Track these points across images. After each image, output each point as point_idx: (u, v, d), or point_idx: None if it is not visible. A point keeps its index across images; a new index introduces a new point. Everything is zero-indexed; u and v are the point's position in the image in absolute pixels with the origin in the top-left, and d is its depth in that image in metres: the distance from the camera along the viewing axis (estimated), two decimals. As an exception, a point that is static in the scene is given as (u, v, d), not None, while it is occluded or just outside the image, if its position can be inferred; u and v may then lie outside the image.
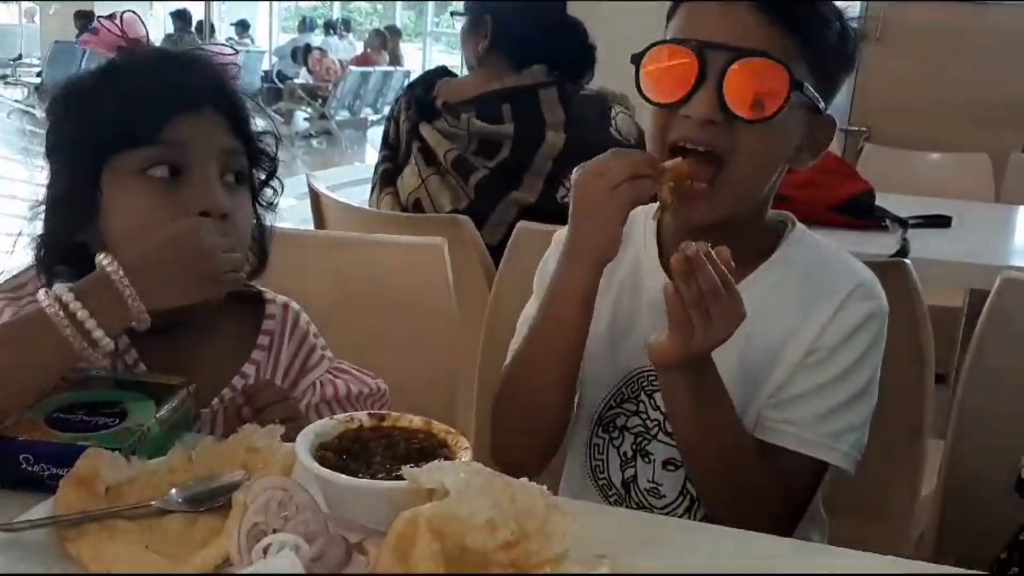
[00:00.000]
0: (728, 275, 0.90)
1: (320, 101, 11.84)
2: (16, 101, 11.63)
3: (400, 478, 0.74)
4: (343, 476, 0.76)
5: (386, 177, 2.09)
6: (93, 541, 0.73)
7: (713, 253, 0.89)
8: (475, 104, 1.98)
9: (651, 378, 1.09)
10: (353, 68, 12.22)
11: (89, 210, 0.99)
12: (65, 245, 1.01)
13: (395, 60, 13.45)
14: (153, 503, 0.77)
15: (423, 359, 1.41)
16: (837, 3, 1.04)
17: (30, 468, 0.82)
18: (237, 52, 1.13)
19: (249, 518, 0.71)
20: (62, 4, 13.64)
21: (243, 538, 0.70)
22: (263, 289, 1.15)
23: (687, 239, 1.07)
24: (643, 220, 1.13)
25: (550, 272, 1.07)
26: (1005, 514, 1.07)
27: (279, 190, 1.12)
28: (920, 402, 1.33)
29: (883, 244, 2.00)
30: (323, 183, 2.12)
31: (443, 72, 2.17)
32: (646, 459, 1.11)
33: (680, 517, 1.09)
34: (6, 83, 13.40)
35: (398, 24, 16.10)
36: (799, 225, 1.12)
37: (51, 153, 1.04)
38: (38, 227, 1.04)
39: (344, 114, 11.94)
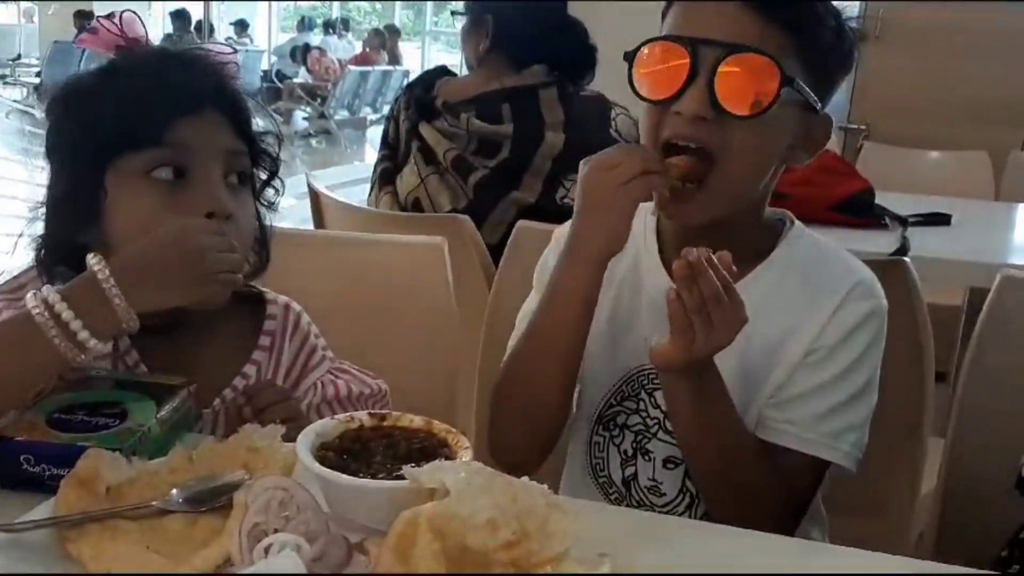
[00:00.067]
0: (730, 280, 0.90)
1: (319, 100, 11.84)
2: (15, 101, 11.63)
3: (401, 478, 0.74)
4: (344, 476, 0.76)
5: (385, 176, 2.09)
6: (94, 541, 0.73)
7: (715, 258, 0.90)
8: (475, 104, 1.98)
9: (651, 376, 1.10)
10: (352, 67, 12.22)
11: (92, 211, 0.99)
12: (67, 246, 1.00)
13: (394, 59, 13.45)
14: (154, 503, 0.77)
15: (423, 359, 1.41)
16: (835, 2, 1.04)
17: (31, 469, 0.82)
18: (236, 51, 1.13)
19: (250, 518, 0.71)
20: (61, 4, 13.64)
21: (244, 538, 0.70)
22: (264, 289, 1.15)
23: (687, 237, 1.08)
24: (643, 217, 1.13)
25: (550, 269, 1.07)
26: (1005, 512, 1.07)
27: (280, 190, 1.12)
28: (920, 400, 1.34)
29: (883, 242, 2.00)
30: (322, 183, 2.12)
31: (443, 72, 2.16)
32: (646, 457, 1.11)
33: (680, 515, 1.09)
34: (5, 83, 13.39)
35: (397, 23, 16.09)
36: (797, 223, 1.12)
37: (52, 153, 1.04)
38: (39, 228, 1.04)
39: (343, 113, 11.94)
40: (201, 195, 0.98)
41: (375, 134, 11.59)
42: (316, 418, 0.98)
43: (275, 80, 12.52)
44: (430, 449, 0.82)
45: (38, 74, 12.08)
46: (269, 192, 1.12)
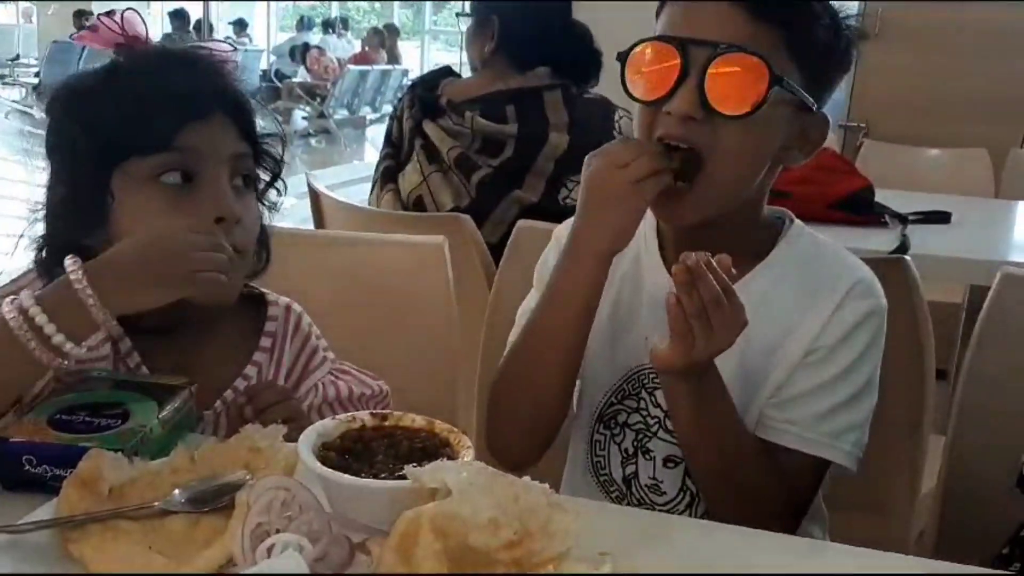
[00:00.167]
0: (729, 284, 0.90)
1: (319, 100, 11.83)
2: (14, 101, 11.62)
3: (403, 478, 0.74)
4: (346, 476, 0.76)
5: (387, 174, 2.10)
6: (96, 542, 0.73)
7: (714, 262, 0.89)
8: (479, 104, 1.99)
9: (652, 375, 1.10)
10: (351, 67, 12.21)
11: (97, 214, 0.99)
12: (69, 248, 1.00)
13: (393, 58, 13.44)
14: (156, 504, 0.77)
15: (423, 358, 1.41)
16: (834, 1, 1.04)
17: (33, 470, 0.82)
18: (236, 49, 1.13)
19: (252, 518, 0.71)
20: (60, 4, 13.63)
21: (247, 538, 0.70)
22: (265, 291, 1.15)
23: (686, 236, 1.08)
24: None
25: (551, 267, 1.07)
26: (1006, 510, 1.07)
27: (283, 191, 1.12)
28: (920, 398, 1.33)
29: (883, 240, 2.00)
30: (322, 182, 2.12)
31: (448, 72, 2.18)
32: (647, 456, 1.11)
33: (681, 514, 1.10)
34: (4, 83, 13.38)
35: (396, 22, 16.10)
36: (797, 222, 1.12)
37: (53, 154, 1.04)
38: (39, 229, 1.04)
39: (343, 113, 11.93)
40: (210, 200, 0.98)
41: (374, 133, 11.61)
42: (317, 419, 0.98)
43: (274, 79, 12.52)
44: (432, 449, 0.82)
45: (37, 74, 12.07)
46: (271, 193, 1.12)
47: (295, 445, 0.80)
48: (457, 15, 2.28)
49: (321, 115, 11.72)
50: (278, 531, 0.70)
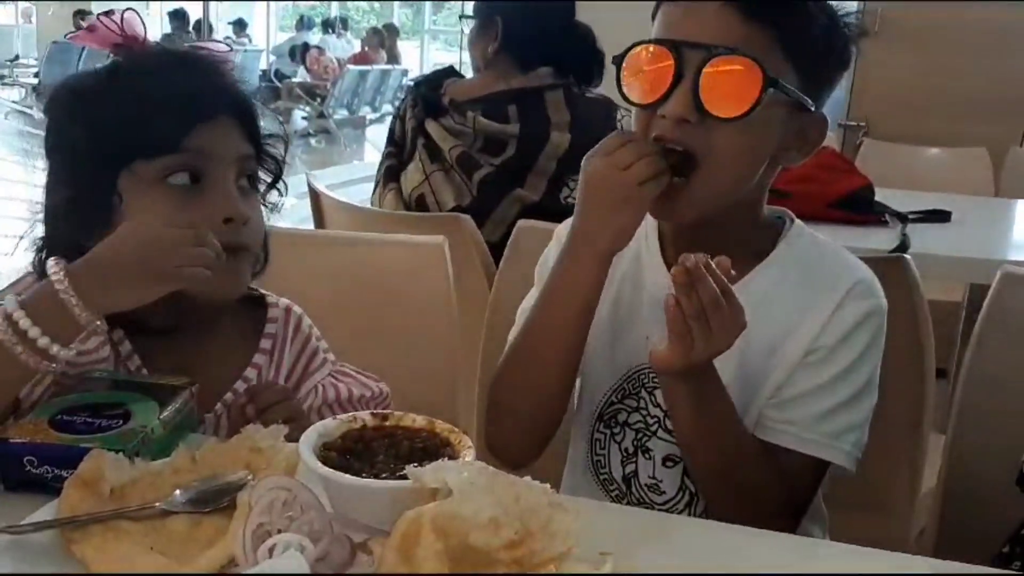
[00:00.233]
0: (728, 285, 0.90)
1: (318, 100, 11.82)
2: (13, 102, 11.61)
3: (404, 477, 0.74)
4: (347, 476, 0.76)
5: (390, 173, 2.11)
6: (98, 543, 0.73)
7: (713, 264, 0.89)
8: (481, 103, 2.00)
9: (651, 375, 1.10)
10: (351, 67, 12.20)
11: (104, 216, 0.98)
12: (73, 250, 1.00)
13: (393, 58, 13.44)
14: (158, 504, 0.77)
15: (423, 358, 1.41)
16: (832, 1, 1.03)
17: (34, 470, 0.82)
18: (232, 49, 1.13)
19: (254, 518, 0.71)
20: (59, 4, 13.62)
21: (248, 539, 0.70)
22: (265, 292, 1.15)
23: (686, 235, 1.08)
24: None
25: (551, 266, 1.07)
26: (1006, 508, 1.07)
27: (284, 191, 1.13)
28: (920, 397, 1.34)
29: (883, 239, 2.00)
30: (322, 182, 2.12)
31: (451, 72, 2.19)
32: (646, 455, 1.11)
33: (680, 513, 1.10)
34: (3, 84, 13.38)
35: (396, 22, 16.09)
36: (797, 222, 1.12)
37: (55, 155, 1.04)
38: (40, 230, 1.04)
39: (342, 113, 11.93)
40: (218, 201, 0.99)
41: (374, 133, 11.62)
42: (317, 421, 0.98)
43: (274, 80, 12.51)
44: (432, 449, 0.82)
45: (36, 75, 12.06)
46: (272, 194, 1.12)
47: (296, 445, 0.80)
48: (460, 17, 2.30)
49: (321, 115, 11.72)
50: (279, 531, 0.71)
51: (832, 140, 3.29)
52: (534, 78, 2.02)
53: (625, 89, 1.02)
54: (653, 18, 1.05)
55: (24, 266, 1.05)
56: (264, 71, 12.86)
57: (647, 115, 1.01)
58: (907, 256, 1.37)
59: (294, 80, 12.44)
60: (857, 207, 2.18)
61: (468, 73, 2.20)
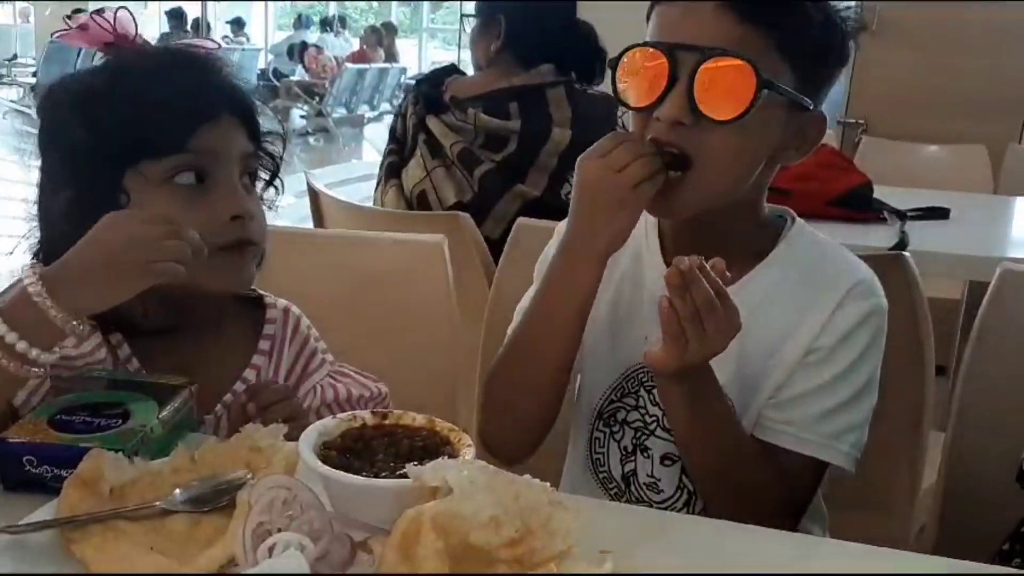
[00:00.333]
0: (723, 287, 0.90)
1: (316, 99, 11.82)
2: (12, 102, 11.60)
3: (404, 476, 0.74)
4: (347, 475, 0.76)
5: (391, 170, 2.11)
6: (98, 543, 0.73)
7: (707, 266, 0.89)
8: (482, 100, 2.01)
9: (650, 373, 1.09)
10: (349, 65, 12.20)
11: None
12: None
13: (391, 57, 13.44)
14: (157, 504, 0.77)
15: (423, 357, 1.41)
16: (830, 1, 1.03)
17: (33, 470, 0.82)
18: (221, 46, 1.13)
19: (253, 518, 0.71)
20: (57, 4, 13.61)
21: (248, 538, 0.70)
22: (264, 293, 1.15)
23: (687, 234, 1.08)
24: (644, 213, 1.12)
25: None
26: (1006, 505, 1.07)
27: (280, 189, 1.13)
28: (920, 395, 1.34)
29: (882, 237, 2.00)
30: (321, 181, 2.13)
31: (452, 70, 2.20)
32: (645, 454, 1.11)
33: (678, 511, 1.10)
34: (1, 84, 13.36)
35: (394, 20, 16.09)
36: (799, 221, 1.12)
37: (53, 155, 1.03)
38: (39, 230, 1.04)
39: (341, 111, 11.93)
40: (223, 199, 0.99)
41: (373, 132, 11.61)
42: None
43: (272, 78, 12.50)
44: (432, 447, 0.82)
45: (34, 74, 12.05)
46: (269, 192, 1.12)
47: (296, 444, 0.80)
48: (462, 16, 2.31)
49: (319, 114, 11.71)
50: (279, 530, 0.70)
51: (831, 138, 3.29)
52: (536, 75, 2.03)
53: (620, 92, 1.02)
54: (648, 18, 1.05)
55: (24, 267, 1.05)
56: (262, 70, 12.85)
57: (643, 117, 1.01)
58: (906, 254, 1.37)
59: (292, 79, 12.43)
60: (856, 205, 2.18)
61: (469, 71, 2.20)
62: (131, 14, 1.05)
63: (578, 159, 1.02)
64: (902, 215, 2.16)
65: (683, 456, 1.07)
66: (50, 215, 1.02)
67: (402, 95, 2.26)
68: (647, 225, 1.13)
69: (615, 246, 1.02)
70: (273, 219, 1.13)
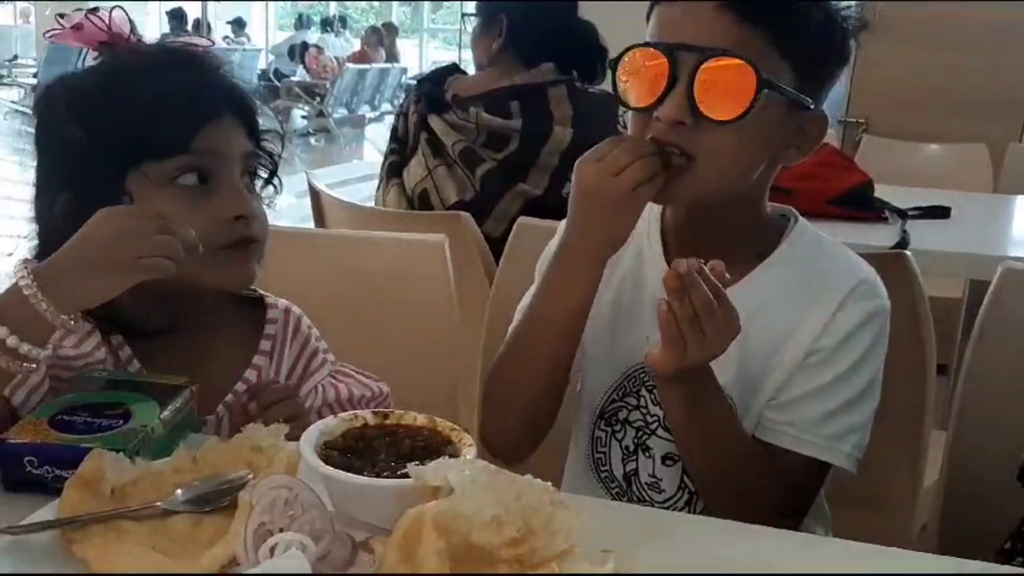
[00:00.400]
0: (722, 289, 0.90)
1: (317, 99, 11.82)
2: (12, 102, 11.60)
3: (405, 476, 0.74)
4: (348, 474, 0.76)
5: (393, 170, 2.12)
6: (99, 543, 0.73)
7: (706, 269, 0.89)
8: (484, 99, 2.01)
9: (651, 373, 1.09)
10: (350, 65, 12.20)
11: None
12: None
13: (392, 57, 13.44)
14: (158, 504, 0.77)
15: (424, 356, 1.41)
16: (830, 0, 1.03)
17: (34, 471, 0.82)
18: (213, 43, 1.13)
19: (255, 518, 0.71)
20: (58, 4, 13.61)
21: (249, 538, 0.70)
22: (264, 293, 1.15)
23: (688, 233, 1.08)
24: (647, 212, 1.12)
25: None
26: (1007, 504, 1.07)
27: (279, 188, 1.13)
28: (922, 393, 1.34)
29: (883, 236, 2.00)
30: (322, 181, 2.13)
31: (454, 69, 2.20)
32: (646, 453, 1.11)
33: (680, 511, 1.09)
34: (2, 84, 13.37)
35: (394, 21, 16.09)
36: (802, 221, 1.12)
37: (53, 154, 1.03)
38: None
39: (341, 111, 11.93)
40: (226, 199, 0.99)
41: (374, 132, 11.62)
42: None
43: (273, 79, 12.50)
44: (434, 447, 0.82)
45: (35, 75, 12.05)
46: (267, 191, 1.12)
47: (297, 444, 0.80)
48: (463, 16, 2.31)
49: (320, 114, 11.72)
50: (281, 530, 0.70)
51: (832, 137, 3.29)
52: (537, 75, 2.03)
53: (621, 92, 1.02)
54: (648, 18, 1.05)
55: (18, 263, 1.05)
56: (263, 70, 12.85)
57: (643, 117, 1.01)
58: (907, 252, 1.37)
59: (293, 79, 12.43)
60: (857, 204, 2.18)
61: (470, 70, 2.20)
62: (126, 13, 1.05)
63: (576, 163, 1.01)
64: (903, 214, 2.16)
65: (683, 457, 1.07)
66: (47, 215, 1.02)
67: (403, 95, 2.26)
68: (649, 225, 1.13)
69: (614, 249, 1.02)
70: (274, 219, 1.14)
